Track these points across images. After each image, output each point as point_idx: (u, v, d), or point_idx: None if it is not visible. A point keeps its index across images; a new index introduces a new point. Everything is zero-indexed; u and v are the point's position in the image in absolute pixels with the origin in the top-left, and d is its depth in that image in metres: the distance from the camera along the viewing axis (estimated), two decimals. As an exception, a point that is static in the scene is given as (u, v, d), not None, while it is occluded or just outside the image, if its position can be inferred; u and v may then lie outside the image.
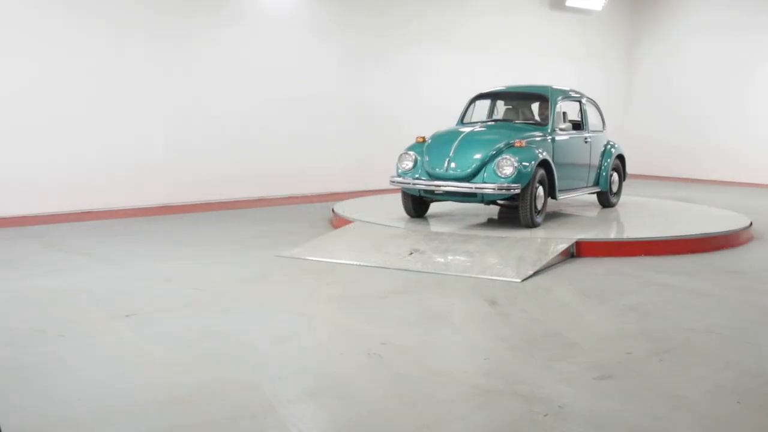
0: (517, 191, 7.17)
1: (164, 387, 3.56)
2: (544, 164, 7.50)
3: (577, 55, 15.73)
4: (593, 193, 9.04)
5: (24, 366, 3.85)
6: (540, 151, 7.51)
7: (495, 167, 7.21)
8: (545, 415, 3.24)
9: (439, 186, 7.39)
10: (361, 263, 6.39)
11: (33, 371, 3.76)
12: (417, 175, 7.60)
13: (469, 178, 7.30)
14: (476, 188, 7.22)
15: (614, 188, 9.34)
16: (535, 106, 8.76)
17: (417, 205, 7.99)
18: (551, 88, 8.65)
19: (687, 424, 3.18)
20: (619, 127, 16.99)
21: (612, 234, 7.32)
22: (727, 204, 10.48)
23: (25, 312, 4.85)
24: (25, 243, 7.33)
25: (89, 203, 9.51)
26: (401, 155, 7.83)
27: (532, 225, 7.38)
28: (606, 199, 9.27)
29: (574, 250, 6.82)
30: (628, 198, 10.62)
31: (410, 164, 7.70)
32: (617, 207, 9.43)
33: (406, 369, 3.82)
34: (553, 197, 7.82)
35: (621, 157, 9.47)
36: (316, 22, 11.62)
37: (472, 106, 8.82)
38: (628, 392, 3.54)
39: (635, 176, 16.43)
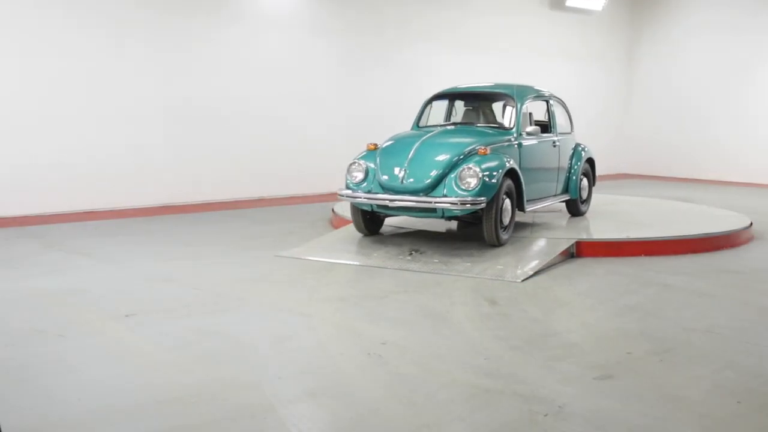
0: (483, 205, 6.41)
1: (164, 387, 3.56)
2: (510, 173, 6.76)
3: (577, 55, 15.74)
4: (562, 201, 8.35)
5: (24, 366, 3.85)
6: (507, 158, 6.77)
7: (457, 179, 6.43)
8: (545, 415, 3.24)
9: (394, 200, 6.56)
10: (361, 263, 6.39)
11: (33, 371, 3.77)
12: (369, 189, 6.76)
13: (427, 190, 6.49)
14: (436, 203, 6.40)
15: (584, 195, 8.64)
16: (498, 107, 7.91)
17: (369, 221, 7.23)
18: (516, 86, 7.89)
19: (687, 424, 3.18)
20: (619, 127, 17.03)
21: (612, 234, 7.32)
22: (727, 204, 10.48)
23: (25, 312, 4.86)
24: (25, 243, 7.34)
25: (89, 203, 9.51)
26: (350, 165, 6.98)
27: (497, 243, 6.67)
28: (575, 208, 8.50)
29: (574, 250, 6.82)
30: (628, 198, 10.64)
31: (361, 175, 6.86)
32: (617, 207, 9.42)
33: (406, 369, 3.82)
34: (521, 209, 7.08)
35: (591, 161, 8.81)
36: (316, 22, 11.62)
37: (428, 107, 8.01)
38: (628, 392, 3.54)
39: (635, 176, 16.44)
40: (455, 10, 13.37)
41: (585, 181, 8.63)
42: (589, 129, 16.14)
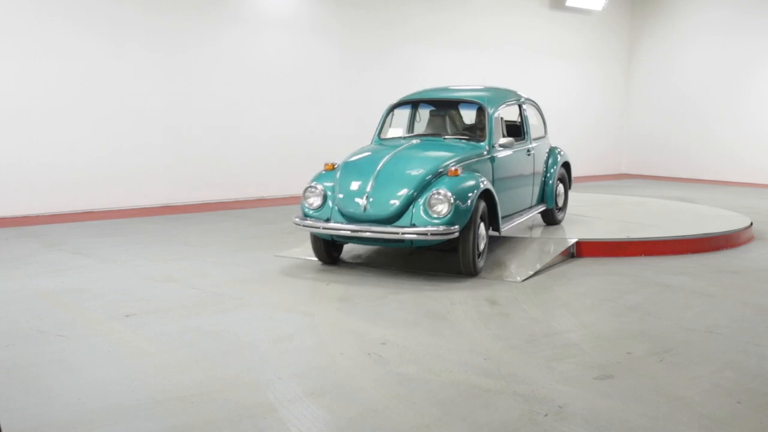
0: (456, 235, 5.64)
1: (164, 387, 3.56)
2: (484, 194, 6.02)
3: (577, 55, 15.74)
4: (538, 212, 7.66)
5: (24, 366, 3.85)
6: (480, 179, 6.02)
7: (425, 205, 5.69)
8: (545, 415, 3.24)
9: (356, 231, 5.78)
10: (361, 263, 6.39)
11: (33, 371, 3.77)
12: (328, 216, 5.96)
13: (393, 219, 5.73)
14: (403, 233, 5.62)
15: (560, 202, 7.98)
16: (467, 114, 7.26)
17: (330, 248, 6.40)
18: (486, 92, 7.15)
19: (687, 424, 3.18)
20: (619, 127, 17.03)
21: (612, 234, 7.32)
22: (727, 204, 10.48)
23: (25, 312, 4.86)
24: (25, 243, 7.34)
25: (89, 203, 9.52)
26: (306, 190, 6.18)
27: (474, 272, 5.92)
28: (551, 216, 7.87)
29: (574, 250, 6.82)
30: (628, 198, 10.64)
31: (318, 201, 6.06)
32: (617, 207, 9.41)
33: (406, 369, 3.82)
34: (496, 230, 6.38)
35: (566, 165, 8.17)
36: (316, 22, 11.63)
37: (390, 116, 7.26)
38: (628, 392, 3.54)
39: (635, 176, 16.44)
40: (456, 10, 13.37)
41: (561, 187, 8.00)
42: (589, 129, 16.18)
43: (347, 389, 3.55)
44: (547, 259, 6.38)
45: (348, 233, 5.85)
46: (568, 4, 14.92)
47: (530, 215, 7.35)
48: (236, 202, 10.73)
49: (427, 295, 5.39)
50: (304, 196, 6.16)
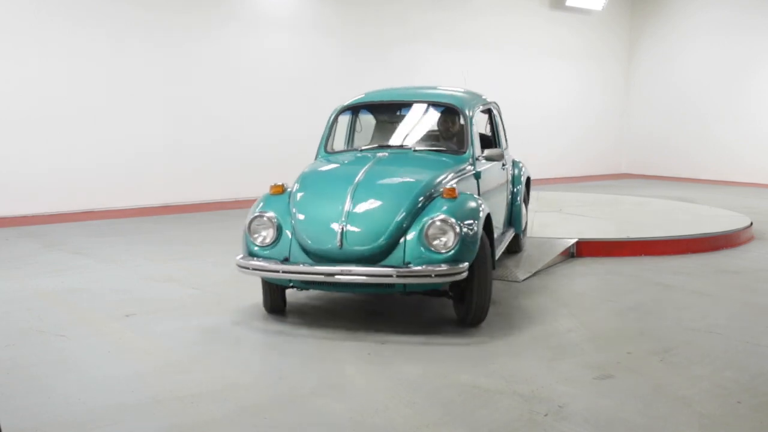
0: (464, 274, 4.26)
1: (164, 387, 3.56)
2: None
3: (577, 55, 15.74)
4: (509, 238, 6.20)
5: (24, 366, 3.85)
6: (479, 201, 4.68)
7: (422, 236, 4.30)
8: (545, 415, 3.24)
9: (332, 275, 4.26)
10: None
11: (33, 371, 3.77)
12: (285, 254, 4.42)
13: (380, 256, 4.29)
14: (398, 275, 4.17)
15: (523, 224, 6.66)
16: (433, 120, 5.75)
17: (285, 294, 4.93)
18: (457, 94, 5.85)
19: (687, 424, 3.18)
20: (619, 127, 17.02)
21: (612, 234, 7.32)
22: (727, 204, 10.48)
23: (25, 312, 4.86)
24: (25, 243, 7.34)
25: (89, 203, 9.52)
26: (252, 221, 4.58)
27: (482, 320, 4.61)
28: (516, 243, 6.52)
29: (574, 250, 6.82)
30: (628, 198, 10.64)
31: (270, 234, 4.51)
32: (617, 207, 9.40)
33: (406, 369, 3.82)
34: (492, 266, 4.75)
35: (527, 181, 6.96)
36: (317, 21, 11.63)
37: (336, 123, 5.79)
38: (628, 392, 3.54)
39: (635, 176, 16.44)
40: (455, 9, 13.37)
41: (523, 208, 6.68)
42: (589, 129, 16.18)
43: (347, 389, 3.56)
44: (547, 259, 6.38)
45: (321, 278, 4.31)
46: (568, 4, 14.92)
47: (505, 243, 5.94)
48: (236, 202, 10.73)
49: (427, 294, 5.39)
50: (251, 229, 4.57)
